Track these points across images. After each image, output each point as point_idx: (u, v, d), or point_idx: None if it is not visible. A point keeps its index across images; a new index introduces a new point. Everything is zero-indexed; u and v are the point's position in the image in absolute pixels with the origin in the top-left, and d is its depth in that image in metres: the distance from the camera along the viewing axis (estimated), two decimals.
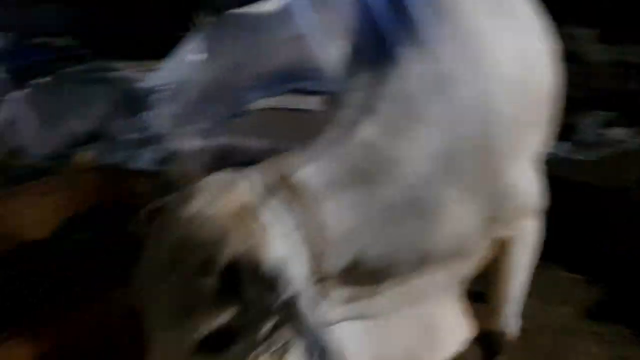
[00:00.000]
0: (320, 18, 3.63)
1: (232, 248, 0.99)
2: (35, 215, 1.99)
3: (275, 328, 1.07)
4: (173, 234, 1.03)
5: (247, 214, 1.04)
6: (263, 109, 3.64)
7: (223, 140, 3.50)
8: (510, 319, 1.68)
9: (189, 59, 4.21)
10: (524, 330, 2.33)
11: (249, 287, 1.00)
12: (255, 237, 1.01)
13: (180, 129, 3.81)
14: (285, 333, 1.08)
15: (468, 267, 1.49)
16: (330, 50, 3.70)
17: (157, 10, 6.87)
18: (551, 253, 2.80)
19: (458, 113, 1.25)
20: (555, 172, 3.88)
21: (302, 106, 3.57)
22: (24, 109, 4.11)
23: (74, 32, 6.29)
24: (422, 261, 1.25)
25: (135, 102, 4.35)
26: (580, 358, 2.20)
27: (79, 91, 4.51)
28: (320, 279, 1.09)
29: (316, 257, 1.09)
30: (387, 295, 1.30)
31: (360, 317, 1.27)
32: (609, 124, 4.44)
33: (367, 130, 1.18)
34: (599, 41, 4.91)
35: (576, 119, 4.46)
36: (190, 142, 3.70)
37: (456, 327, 1.52)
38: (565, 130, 4.37)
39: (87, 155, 2.12)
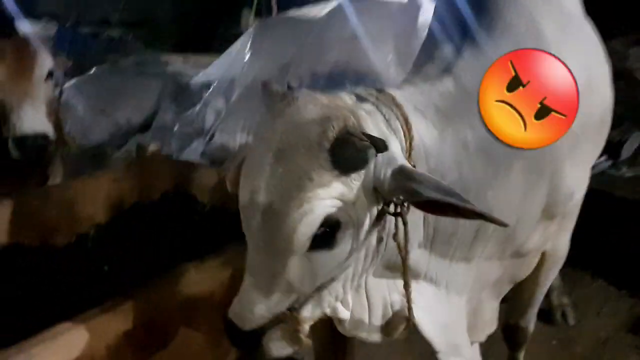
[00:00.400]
0: (371, 23, 3.71)
1: (340, 124, 1.06)
2: (106, 200, 2.08)
3: (378, 218, 1.14)
4: (283, 123, 1.10)
5: (346, 106, 1.12)
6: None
7: None
8: (533, 316, 1.85)
9: (240, 57, 4.32)
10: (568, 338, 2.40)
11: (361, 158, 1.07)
12: (358, 119, 1.09)
13: (229, 124, 3.93)
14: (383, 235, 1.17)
15: (520, 268, 1.59)
16: (380, 53, 3.79)
17: (209, 6, 7.01)
18: (597, 266, 2.86)
19: None
20: (599, 187, 3.91)
21: None
22: (78, 97, 4.26)
23: (127, 23, 6.47)
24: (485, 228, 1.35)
25: (187, 95, 4.47)
26: None
27: (132, 82, 4.64)
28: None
29: (405, 150, 1.18)
30: (454, 268, 1.38)
31: (431, 278, 1.36)
32: None
33: (446, 86, 1.29)
34: None
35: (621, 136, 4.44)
36: (239, 137, 3.82)
37: (491, 321, 1.62)
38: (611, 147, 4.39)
39: (154, 146, 2.21)
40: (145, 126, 4.42)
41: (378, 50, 3.68)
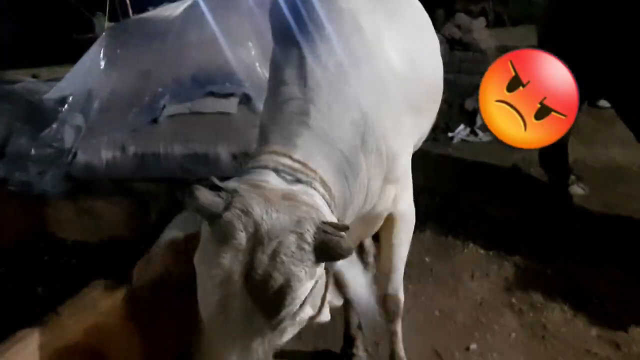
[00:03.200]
0: (230, 19, 3.64)
1: (311, 223, 1.18)
2: None
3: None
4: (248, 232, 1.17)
5: (304, 202, 1.23)
6: (179, 114, 3.61)
7: (141, 148, 3.44)
8: (399, 284, 1.99)
9: (95, 67, 4.06)
10: (448, 306, 2.57)
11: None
12: (318, 210, 1.22)
13: (92, 141, 3.69)
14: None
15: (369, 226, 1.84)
16: (243, 51, 3.73)
17: (53, 13, 6.53)
18: (466, 233, 3.08)
19: (362, 90, 1.54)
20: (461, 154, 4.16)
21: (219, 109, 3.58)
22: None
23: None
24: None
25: (42, 114, 4.14)
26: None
27: None
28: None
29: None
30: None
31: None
32: None
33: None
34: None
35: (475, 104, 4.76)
36: (104, 154, 3.60)
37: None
38: (465, 116, 4.70)
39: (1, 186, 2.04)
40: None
41: (241, 48, 3.63)
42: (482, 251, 2.97)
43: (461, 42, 5.04)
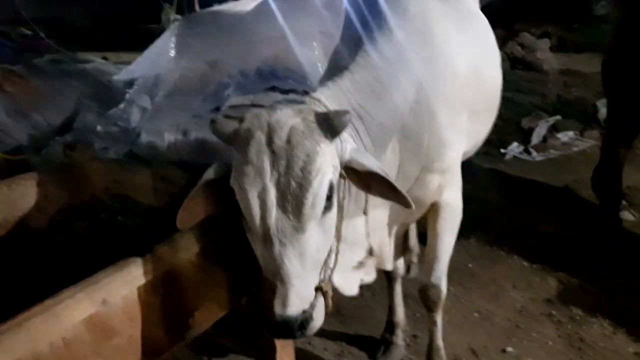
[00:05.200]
0: (298, 19, 3.78)
1: (310, 108, 1.43)
2: (33, 205, 2.03)
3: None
4: (259, 137, 1.37)
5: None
6: (241, 105, 3.75)
7: (202, 134, 3.59)
8: (441, 274, 2.06)
9: (164, 54, 4.25)
10: (488, 310, 2.61)
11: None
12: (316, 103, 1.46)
13: (156, 123, 3.87)
14: None
15: (410, 214, 1.89)
16: (307, 50, 3.86)
17: (124, 1, 6.82)
18: (512, 244, 3.11)
19: (411, 86, 1.68)
20: (513, 171, 4.19)
21: None
22: None
23: (38, 20, 6.19)
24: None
25: (110, 94, 4.36)
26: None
27: (49, 82, 4.46)
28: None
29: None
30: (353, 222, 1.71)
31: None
32: (558, 128, 4.77)
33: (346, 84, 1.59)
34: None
35: (529, 124, 4.76)
36: (166, 137, 3.77)
37: (392, 253, 1.99)
38: (520, 134, 4.70)
39: (85, 148, 2.18)
40: (65, 127, 4.27)
41: (305, 47, 3.75)
42: (525, 263, 3.00)
43: (523, 61, 5.06)
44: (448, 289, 2.13)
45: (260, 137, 1.36)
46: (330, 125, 1.37)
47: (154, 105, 4.03)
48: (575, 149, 4.53)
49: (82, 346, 1.28)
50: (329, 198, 1.38)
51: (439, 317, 2.18)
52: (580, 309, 2.60)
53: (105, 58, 5.25)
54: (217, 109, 3.72)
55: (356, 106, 1.56)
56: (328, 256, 1.45)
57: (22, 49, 5.63)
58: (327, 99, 1.51)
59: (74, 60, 5.07)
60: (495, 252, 3.10)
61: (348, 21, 1.86)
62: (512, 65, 5.04)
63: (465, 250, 3.05)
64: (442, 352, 2.22)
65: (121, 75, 4.50)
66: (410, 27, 1.75)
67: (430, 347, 2.23)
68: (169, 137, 3.83)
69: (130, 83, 4.34)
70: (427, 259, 2.06)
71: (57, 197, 2.09)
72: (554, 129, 4.72)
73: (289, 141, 1.35)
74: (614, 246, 3.14)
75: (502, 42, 5.36)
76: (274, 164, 1.34)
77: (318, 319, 1.41)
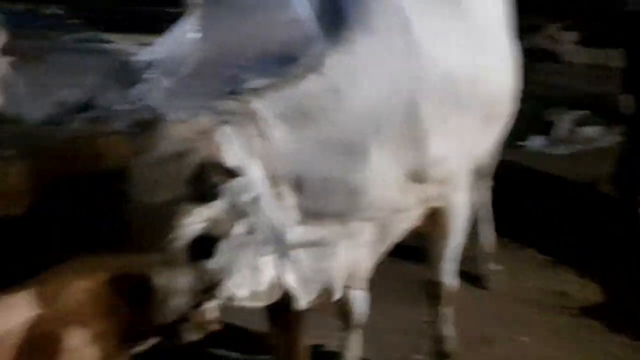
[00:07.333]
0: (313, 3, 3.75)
1: (197, 158, 1.27)
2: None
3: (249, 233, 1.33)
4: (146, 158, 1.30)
5: (206, 134, 1.33)
6: (258, 89, 3.75)
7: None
8: (447, 274, 2.03)
9: (185, 36, 4.27)
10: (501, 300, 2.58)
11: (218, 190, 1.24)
12: (217, 148, 1.30)
13: (177, 104, 3.89)
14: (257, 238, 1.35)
15: (399, 227, 1.79)
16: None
17: None
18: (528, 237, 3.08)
19: (391, 85, 1.56)
20: (535, 164, 4.14)
21: None
22: (13, 75, 4.11)
23: (64, 1, 6.27)
24: (354, 203, 1.52)
25: (131, 73, 4.38)
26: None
27: (71, 60, 4.52)
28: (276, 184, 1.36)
29: (268, 168, 1.38)
30: (333, 230, 1.56)
31: (312, 243, 1.53)
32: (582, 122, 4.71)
33: (311, 85, 1.48)
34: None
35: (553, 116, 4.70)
36: (183, 117, 3.79)
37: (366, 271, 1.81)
38: (543, 126, 4.65)
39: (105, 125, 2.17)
40: (87, 105, 4.31)
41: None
42: (541, 256, 2.97)
43: (548, 53, 4.98)
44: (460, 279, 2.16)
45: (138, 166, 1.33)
46: (199, 191, 1.28)
47: (172, 85, 4.06)
48: (597, 143, 4.47)
49: None
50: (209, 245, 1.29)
51: (445, 310, 2.17)
52: (595, 303, 2.57)
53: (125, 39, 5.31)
54: (234, 92, 3.73)
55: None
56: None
57: (51, 26, 5.72)
58: (266, 106, 1.42)
59: (97, 40, 5.14)
60: (511, 244, 3.08)
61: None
62: (537, 57, 4.98)
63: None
64: (453, 340, 2.19)
65: (143, 55, 4.54)
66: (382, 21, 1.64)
67: (440, 338, 2.21)
68: (187, 117, 3.86)
69: (151, 64, 4.38)
70: (431, 257, 2.06)
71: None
72: (577, 123, 4.66)
73: (152, 185, 1.31)
74: (631, 241, 3.10)
75: (527, 34, 5.28)
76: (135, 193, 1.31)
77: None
